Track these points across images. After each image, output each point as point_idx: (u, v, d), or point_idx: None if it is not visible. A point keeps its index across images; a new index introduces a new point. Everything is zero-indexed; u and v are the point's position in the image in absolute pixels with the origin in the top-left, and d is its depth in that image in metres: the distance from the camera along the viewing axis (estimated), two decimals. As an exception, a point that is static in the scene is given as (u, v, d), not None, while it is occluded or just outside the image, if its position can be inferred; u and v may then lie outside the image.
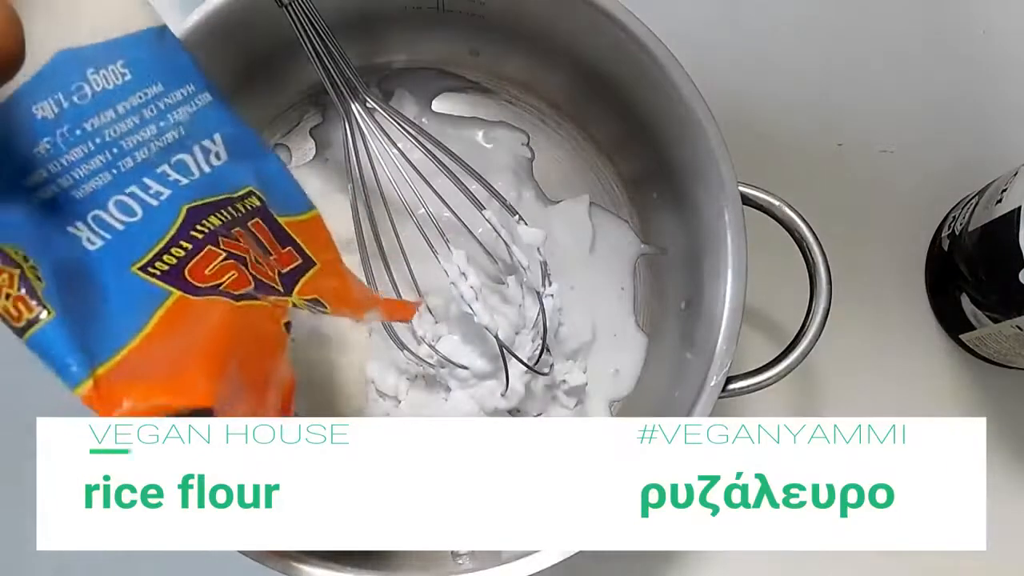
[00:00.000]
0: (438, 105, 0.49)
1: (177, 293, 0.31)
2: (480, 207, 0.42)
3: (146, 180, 0.31)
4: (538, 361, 0.43)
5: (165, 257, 0.31)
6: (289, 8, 0.37)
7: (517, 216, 0.43)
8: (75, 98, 0.29)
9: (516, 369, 0.42)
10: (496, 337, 0.40)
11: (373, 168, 0.41)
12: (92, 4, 0.29)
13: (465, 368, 0.43)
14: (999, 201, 0.43)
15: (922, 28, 0.53)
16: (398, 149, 0.41)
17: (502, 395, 0.43)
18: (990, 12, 0.53)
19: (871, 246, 0.50)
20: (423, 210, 0.41)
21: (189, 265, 0.31)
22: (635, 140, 0.46)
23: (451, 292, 0.41)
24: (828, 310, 0.39)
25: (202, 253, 0.32)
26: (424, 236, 0.41)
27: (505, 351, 0.41)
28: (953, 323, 0.49)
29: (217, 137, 0.32)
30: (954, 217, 0.48)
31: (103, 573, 0.45)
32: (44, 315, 0.27)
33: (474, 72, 0.49)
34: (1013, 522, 0.48)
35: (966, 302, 0.47)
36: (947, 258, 0.48)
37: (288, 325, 0.34)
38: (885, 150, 0.52)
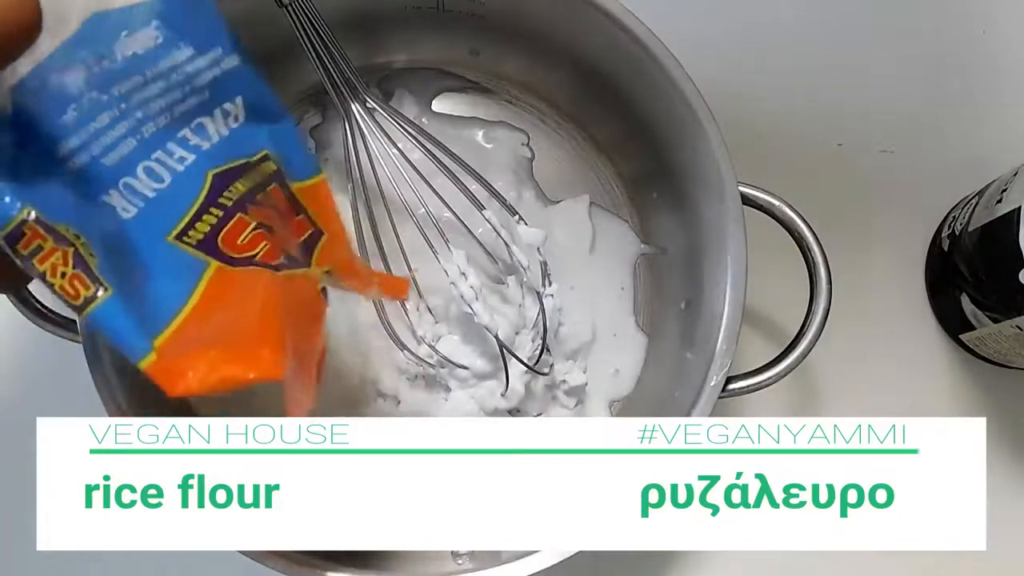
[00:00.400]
0: (438, 105, 0.49)
1: (215, 263, 0.31)
2: (480, 207, 0.42)
3: (170, 145, 0.30)
4: (538, 361, 0.43)
5: (197, 225, 0.31)
6: (289, 8, 0.37)
7: (517, 216, 0.43)
8: (105, 63, 0.28)
9: (516, 369, 0.42)
10: (496, 337, 0.40)
11: (373, 168, 0.41)
12: None
13: (465, 368, 0.43)
14: (999, 201, 0.43)
15: (922, 28, 0.53)
16: (398, 149, 0.41)
17: (502, 395, 0.43)
18: (990, 12, 0.53)
19: (871, 246, 0.50)
20: (423, 210, 0.41)
21: (221, 234, 0.31)
22: (635, 140, 0.46)
23: (451, 292, 0.41)
24: (828, 310, 0.39)
25: (232, 221, 0.31)
26: (424, 236, 0.41)
27: (505, 351, 0.41)
28: (953, 323, 0.49)
29: (239, 100, 0.31)
30: (954, 217, 0.48)
31: (103, 574, 0.46)
32: (101, 292, 0.27)
33: (474, 72, 0.49)
34: (1013, 522, 0.48)
35: (966, 302, 0.47)
36: (947, 258, 0.48)
37: (324, 291, 0.34)
38: (885, 150, 0.52)
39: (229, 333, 0.29)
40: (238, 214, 0.32)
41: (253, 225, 0.32)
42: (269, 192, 0.33)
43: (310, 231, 0.34)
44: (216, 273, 0.31)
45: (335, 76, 0.39)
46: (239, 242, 0.31)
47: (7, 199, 0.25)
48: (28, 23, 0.25)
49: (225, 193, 0.31)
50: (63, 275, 0.27)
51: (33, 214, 0.26)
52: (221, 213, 0.31)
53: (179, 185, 0.30)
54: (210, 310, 0.30)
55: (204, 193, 0.31)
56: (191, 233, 0.31)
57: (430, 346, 0.43)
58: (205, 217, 0.31)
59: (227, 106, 0.31)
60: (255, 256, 0.32)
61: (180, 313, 0.29)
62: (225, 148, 0.32)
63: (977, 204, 0.46)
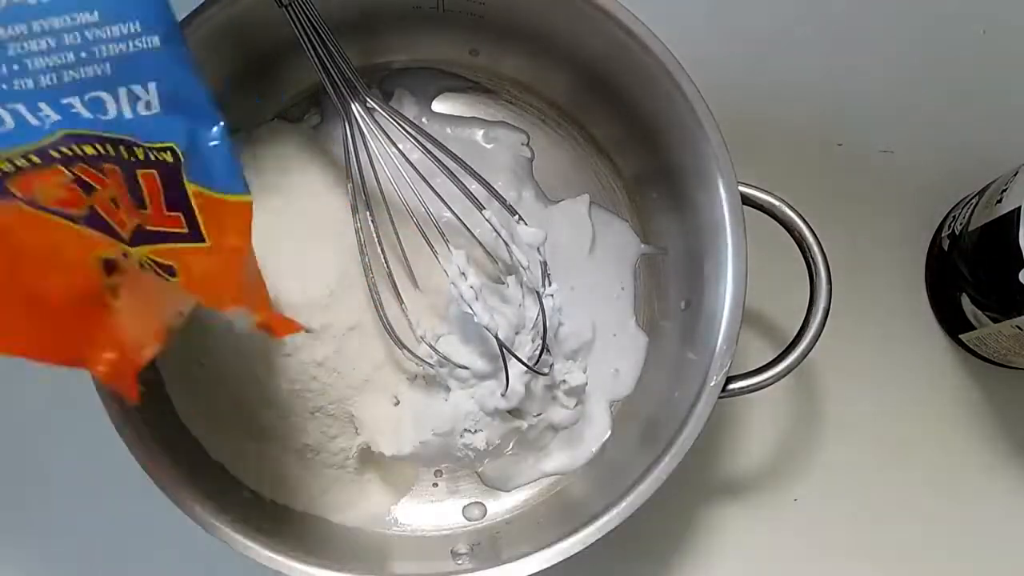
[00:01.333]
0: (438, 105, 0.49)
1: None
2: (480, 207, 0.42)
3: (41, 104, 0.28)
4: (538, 361, 0.43)
5: (2, 164, 0.28)
6: (289, 8, 0.37)
7: (517, 216, 0.43)
8: None
9: (516, 369, 0.42)
10: (496, 337, 0.40)
11: (373, 168, 0.41)
12: None
13: (465, 368, 0.43)
14: (999, 201, 0.43)
15: (922, 28, 0.53)
16: (398, 149, 0.41)
17: (502, 395, 0.43)
18: (990, 12, 0.53)
19: (871, 246, 0.50)
20: (423, 210, 0.41)
21: (18, 177, 0.29)
22: (635, 140, 0.46)
23: (451, 292, 0.41)
24: (828, 310, 0.39)
25: (45, 171, 0.29)
26: (424, 236, 0.41)
27: (505, 351, 0.41)
28: (953, 323, 0.49)
29: (151, 86, 0.29)
30: (954, 217, 0.48)
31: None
32: None
33: (474, 72, 0.49)
34: (1013, 522, 0.48)
35: (966, 302, 0.47)
36: (947, 258, 0.48)
37: (108, 263, 0.30)
38: (885, 150, 0.52)
39: None
40: (56, 165, 0.29)
41: (69, 178, 0.29)
42: (139, 173, 0.30)
43: (179, 230, 0.31)
44: None
45: (335, 76, 0.39)
46: (33, 187, 0.29)
47: None
48: None
49: (62, 148, 0.29)
50: None
51: None
52: (39, 160, 0.28)
53: (19, 131, 0.28)
54: None
55: (40, 144, 0.28)
56: None
57: (430, 346, 0.43)
58: (18, 160, 0.28)
59: (135, 88, 0.29)
60: (35, 198, 0.29)
61: None
62: (118, 126, 0.29)
63: (977, 204, 0.46)
